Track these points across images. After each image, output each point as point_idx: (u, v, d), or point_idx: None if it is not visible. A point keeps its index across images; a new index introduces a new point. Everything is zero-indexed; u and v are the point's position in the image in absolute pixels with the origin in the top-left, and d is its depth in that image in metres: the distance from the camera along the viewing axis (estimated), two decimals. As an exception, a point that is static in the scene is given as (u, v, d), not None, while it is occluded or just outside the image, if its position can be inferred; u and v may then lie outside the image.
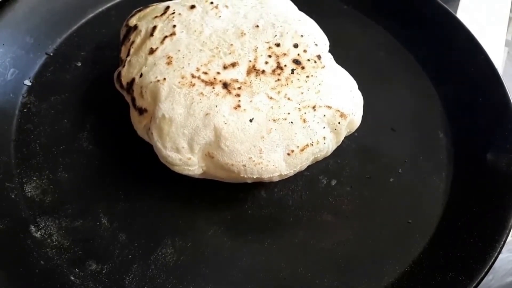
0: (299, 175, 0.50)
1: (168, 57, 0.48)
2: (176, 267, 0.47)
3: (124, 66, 0.50)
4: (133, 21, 0.53)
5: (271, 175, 0.45)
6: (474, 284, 0.44)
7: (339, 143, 0.48)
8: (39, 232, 0.48)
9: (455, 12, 0.75)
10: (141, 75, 0.48)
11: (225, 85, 0.46)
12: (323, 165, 0.53)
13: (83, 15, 0.63)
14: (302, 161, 0.46)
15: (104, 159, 0.53)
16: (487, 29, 0.74)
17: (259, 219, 0.50)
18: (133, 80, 0.48)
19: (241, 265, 0.47)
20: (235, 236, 0.49)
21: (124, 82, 0.49)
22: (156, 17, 0.52)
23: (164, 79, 0.46)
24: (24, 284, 0.45)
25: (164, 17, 0.51)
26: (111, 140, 0.54)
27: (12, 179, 0.51)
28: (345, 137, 0.49)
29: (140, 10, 0.54)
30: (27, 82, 0.57)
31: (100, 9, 0.64)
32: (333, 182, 0.53)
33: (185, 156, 0.45)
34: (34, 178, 0.51)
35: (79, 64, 0.60)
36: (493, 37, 0.74)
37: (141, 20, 0.53)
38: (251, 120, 0.44)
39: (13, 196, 0.50)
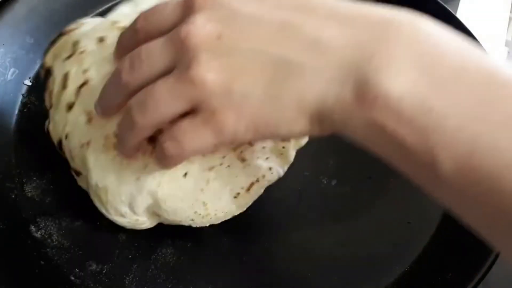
0: (299, 175, 0.50)
1: (87, 114, 0.41)
2: (176, 267, 0.47)
3: (50, 122, 0.45)
4: (48, 61, 0.46)
5: (223, 219, 0.44)
6: (474, 284, 0.44)
7: (291, 162, 0.46)
8: (39, 232, 0.48)
9: (455, 12, 0.75)
10: (66, 136, 0.43)
11: (151, 139, 0.38)
12: (323, 165, 0.53)
13: (83, 15, 0.63)
14: (252, 197, 0.44)
15: (104, 159, 0.53)
16: (487, 29, 0.74)
17: (258, 219, 0.50)
18: (60, 141, 0.44)
19: (241, 265, 0.47)
20: (235, 236, 0.49)
21: (54, 141, 0.45)
22: (67, 58, 0.44)
23: (88, 143, 0.41)
24: (24, 284, 0.45)
25: (74, 57, 0.43)
26: (111, 140, 0.54)
27: (12, 179, 0.51)
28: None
29: (54, 42, 0.47)
30: (27, 82, 0.57)
31: (100, 9, 0.64)
32: (333, 182, 0.53)
33: (132, 219, 0.43)
34: (34, 178, 0.51)
35: (79, 64, 0.59)
36: (493, 37, 0.74)
37: (55, 59, 0.45)
38: (185, 175, 0.40)
39: (13, 196, 0.50)
